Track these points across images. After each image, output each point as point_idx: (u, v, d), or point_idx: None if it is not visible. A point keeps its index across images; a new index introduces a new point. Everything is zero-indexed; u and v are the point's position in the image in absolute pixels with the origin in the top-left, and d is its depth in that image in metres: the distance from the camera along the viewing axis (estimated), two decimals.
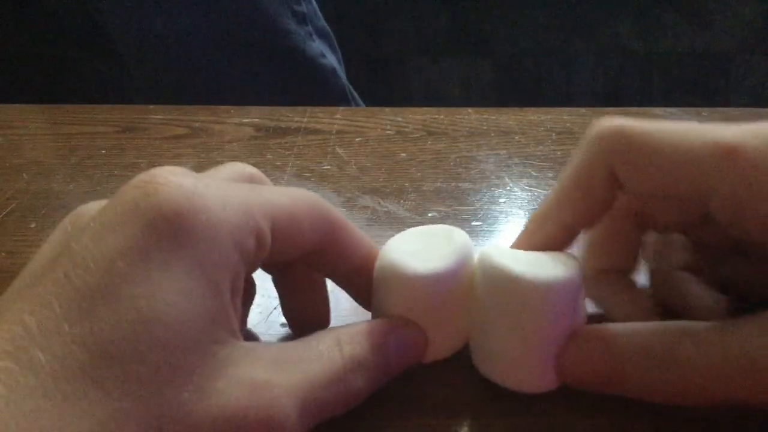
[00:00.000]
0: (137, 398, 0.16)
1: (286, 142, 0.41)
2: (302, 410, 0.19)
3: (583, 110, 0.43)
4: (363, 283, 0.24)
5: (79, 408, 0.16)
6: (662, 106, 0.43)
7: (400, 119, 0.42)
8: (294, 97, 0.70)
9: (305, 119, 0.43)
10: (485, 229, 0.33)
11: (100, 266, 0.17)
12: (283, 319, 0.27)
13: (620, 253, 0.26)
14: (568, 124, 0.41)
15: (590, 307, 0.25)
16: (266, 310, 0.28)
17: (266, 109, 0.44)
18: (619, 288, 0.26)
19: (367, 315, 0.25)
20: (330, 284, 0.26)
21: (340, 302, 0.27)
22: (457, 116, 0.43)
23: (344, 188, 0.36)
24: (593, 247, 0.26)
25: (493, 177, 0.37)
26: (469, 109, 0.43)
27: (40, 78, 1.40)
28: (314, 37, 0.72)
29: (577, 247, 0.25)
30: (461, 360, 0.25)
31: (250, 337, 0.27)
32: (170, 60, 0.68)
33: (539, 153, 0.39)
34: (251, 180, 0.24)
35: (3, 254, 0.32)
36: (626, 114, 0.27)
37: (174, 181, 0.19)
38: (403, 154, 0.39)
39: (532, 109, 0.43)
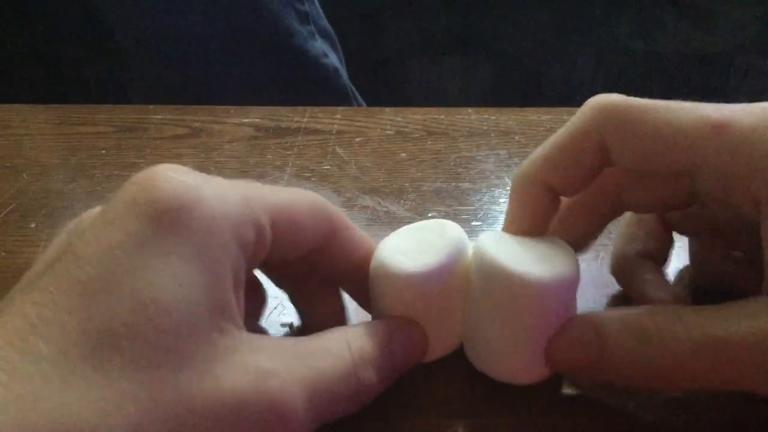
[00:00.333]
0: (136, 381, 0.17)
1: (286, 142, 0.41)
2: (310, 402, 0.19)
3: None
4: (363, 283, 0.24)
5: (78, 392, 0.16)
6: None
7: (400, 119, 0.43)
8: (296, 97, 0.70)
9: (305, 119, 0.43)
10: (485, 229, 0.33)
11: (100, 259, 0.18)
12: (284, 319, 0.27)
13: (583, 230, 0.26)
14: None
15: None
16: (267, 310, 0.28)
17: (266, 109, 0.44)
18: None
19: (368, 316, 0.25)
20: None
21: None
22: (457, 116, 0.43)
23: (344, 188, 0.36)
24: (559, 214, 0.26)
25: (493, 177, 0.37)
26: (469, 109, 0.43)
27: (40, 78, 1.40)
28: (317, 36, 0.72)
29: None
30: (461, 360, 0.25)
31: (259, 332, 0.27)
32: (173, 59, 0.68)
33: None
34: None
35: (3, 254, 0.32)
36: None
37: (172, 176, 0.19)
38: (403, 154, 0.39)
39: (532, 109, 0.43)
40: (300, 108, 0.44)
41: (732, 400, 0.23)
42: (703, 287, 0.28)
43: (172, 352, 0.17)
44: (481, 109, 0.43)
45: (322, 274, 0.25)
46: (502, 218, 0.34)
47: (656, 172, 0.22)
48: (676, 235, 0.28)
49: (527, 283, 0.21)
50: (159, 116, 0.44)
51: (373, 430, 0.23)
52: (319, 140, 0.41)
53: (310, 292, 0.26)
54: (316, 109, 0.44)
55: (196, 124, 0.43)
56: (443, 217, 0.34)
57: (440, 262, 0.23)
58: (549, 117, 0.42)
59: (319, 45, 0.72)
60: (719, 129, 0.20)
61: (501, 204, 0.35)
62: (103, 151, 0.41)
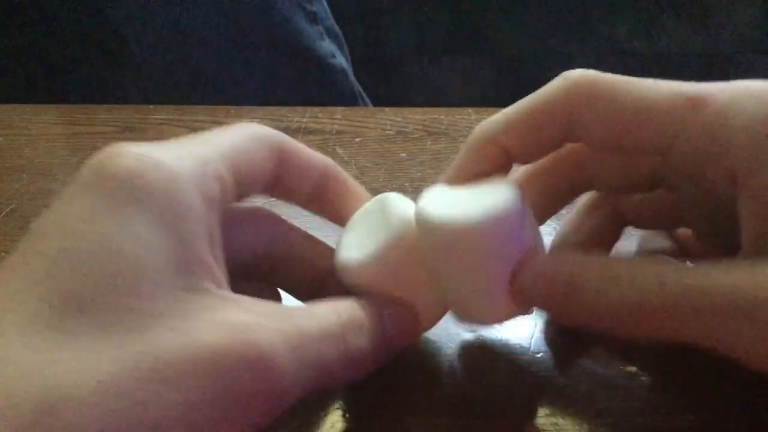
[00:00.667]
0: (105, 341, 0.16)
1: None
2: (296, 359, 0.18)
3: None
4: (330, 199, 0.24)
5: (46, 356, 0.16)
6: None
7: (400, 119, 0.42)
8: (304, 97, 0.70)
9: (305, 119, 0.43)
10: None
11: (60, 232, 0.18)
12: None
13: (542, 202, 0.26)
14: None
15: None
16: None
17: (266, 109, 0.44)
18: None
19: None
20: None
21: None
22: (457, 116, 0.43)
23: None
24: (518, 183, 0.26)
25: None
26: (469, 109, 0.43)
27: (40, 78, 1.40)
28: (325, 36, 0.72)
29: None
30: (461, 360, 0.25)
31: None
32: (181, 58, 0.68)
33: None
34: (277, 149, 0.23)
35: (3, 254, 0.32)
36: None
37: (126, 149, 0.19)
38: (403, 154, 0.39)
39: None
40: (300, 108, 0.44)
41: (733, 402, 0.23)
42: None
43: (142, 313, 0.17)
44: (482, 109, 0.43)
45: (290, 200, 0.25)
46: None
47: (626, 149, 0.22)
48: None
49: (459, 230, 0.21)
50: (159, 116, 0.44)
51: (373, 429, 0.23)
52: (319, 140, 0.41)
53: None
54: (316, 109, 0.44)
55: (196, 124, 0.43)
56: None
57: (387, 242, 0.22)
58: None
59: (327, 45, 0.72)
60: (695, 103, 0.20)
61: None
62: None
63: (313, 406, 0.24)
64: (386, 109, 0.44)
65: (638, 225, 0.27)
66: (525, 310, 0.23)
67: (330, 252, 0.25)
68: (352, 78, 0.76)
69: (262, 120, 0.43)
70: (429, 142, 0.40)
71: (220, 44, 0.67)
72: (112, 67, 1.33)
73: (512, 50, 1.36)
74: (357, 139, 0.41)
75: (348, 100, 0.74)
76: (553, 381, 0.25)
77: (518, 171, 0.26)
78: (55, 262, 0.17)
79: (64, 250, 0.17)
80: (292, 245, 0.25)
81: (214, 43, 0.67)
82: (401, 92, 1.41)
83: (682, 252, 0.27)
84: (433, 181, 0.37)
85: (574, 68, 0.22)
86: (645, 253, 0.27)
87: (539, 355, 0.26)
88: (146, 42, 0.69)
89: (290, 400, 0.19)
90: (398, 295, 0.23)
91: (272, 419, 0.18)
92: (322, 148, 0.40)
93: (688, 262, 0.20)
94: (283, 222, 0.25)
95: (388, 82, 1.41)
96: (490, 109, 0.43)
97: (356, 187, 0.25)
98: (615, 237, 0.27)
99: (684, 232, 0.27)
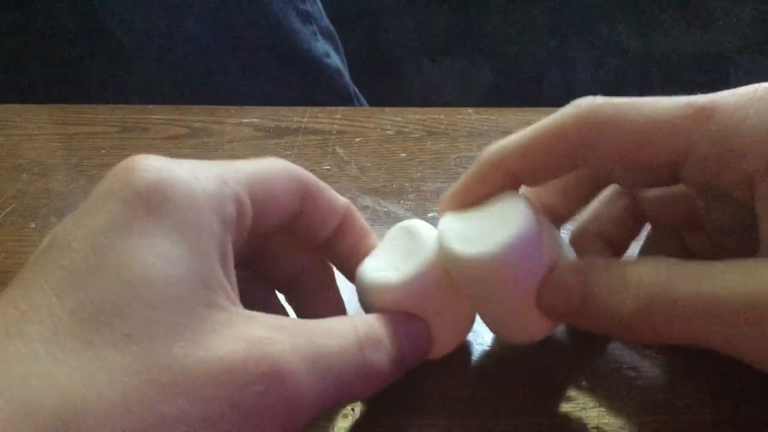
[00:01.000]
0: (128, 353, 0.17)
1: (286, 142, 0.41)
2: (313, 374, 0.19)
3: None
4: (347, 244, 0.25)
5: (70, 367, 0.16)
6: None
7: (400, 119, 0.42)
8: (298, 97, 0.70)
9: (305, 119, 0.43)
10: None
11: (83, 244, 0.18)
12: None
13: (565, 199, 0.26)
14: None
15: None
16: None
17: (266, 109, 0.44)
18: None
19: None
20: None
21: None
22: (457, 116, 0.43)
23: (344, 188, 0.36)
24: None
25: None
26: (469, 109, 0.43)
27: (40, 78, 1.40)
28: (319, 36, 0.72)
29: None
30: (461, 360, 0.25)
31: None
32: (175, 59, 0.68)
33: None
34: (302, 188, 0.23)
35: (3, 254, 0.32)
36: None
37: (146, 162, 0.19)
38: (403, 154, 0.39)
39: (532, 109, 0.43)
40: (300, 108, 0.44)
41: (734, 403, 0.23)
42: None
43: (164, 326, 0.17)
44: (481, 109, 0.43)
45: (303, 240, 0.25)
46: None
47: (641, 168, 0.22)
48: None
49: (482, 263, 0.21)
50: (159, 116, 0.44)
51: (373, 429, 0.23)
52: (319, 140, 0.41)
53: (305, 289, 0.26)
54: (316, 109, 0.44)
55: (196, 124, 0.43)
56: None
57: (420, 266, 0.23)
58: None
59: (322, 45, 0.72)
60: (704, 113, 0.20)
61: None
62: (103, 151, 0.41)
63: None
64: (386, 109, 0.44)
65: (655, 223, 0.27)
66: (555, 324, 0.23)
67: (301, 254, 0.25)
68: (348, 78, 0.76)
69: (262, 120, 0.43)
70: (429, 142, 0.40)
71: (213, 45, 0.67)
72: (110, 67, 1.33)
73: (512, 50, 1.36)
74: (357, 139, 0.41)
75: (343, 100, 0.74)
76: (554, 381, 0.25)
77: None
78: (78, 274, 0.17)
79: (88, 262, 0.17)
80: (270, 241, 0.25)
81: (206, 44, 0.67)
82: (401, 92, 1.41)
83: (689, 255, 0.27)
84: (433, 181, 0.37)
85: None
86: (653, 252, 0.27)
87: (540, 355, 0.26)
88: (142, 44, 0.69)
89: (307, 414, 0.19)
90: (425, 315, 0.23)
91: None
92: (322, 148, 0.40)
93: (694, 263, 0.20)
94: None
95: (388, 82, 1.41)
96: (490, 109, 0.43)
97: (370, 235, 0.26)
98: (634, 232, 0.27)
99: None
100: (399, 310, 0.23)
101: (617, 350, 0.26)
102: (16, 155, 0.41)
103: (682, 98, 0.21)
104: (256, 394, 0.17)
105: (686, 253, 0.27)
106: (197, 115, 0.44)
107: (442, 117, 0.43)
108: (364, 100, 0.79)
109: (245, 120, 0.43)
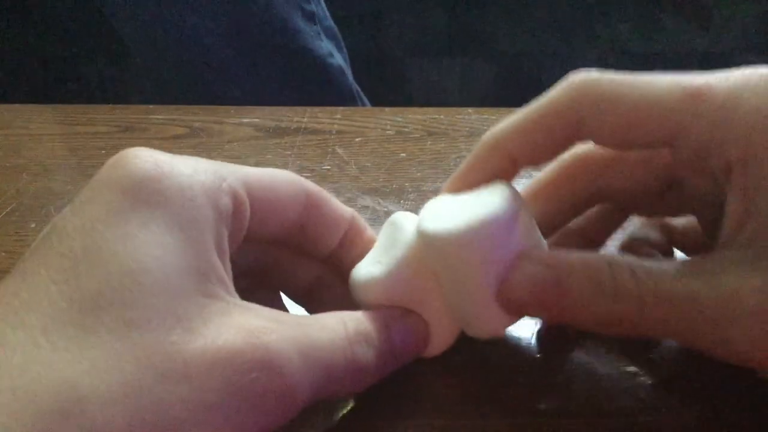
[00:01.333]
0: (127, 340, 0.17)
1: (286, 142, 0.41)
2: (306, 365, 0.19)
3: None
4: (354, 254, 0.25)
5: (70, 354, 0.16)
6: None
7: (400, 119, 0.42)
8: (302, 97, 0.70)
9: (305, 119, 0.43)
10: None
11: (81, 232, 0.18)
12: None
13: (553, 210, 0.26)
14: None
15: None
16: None
17: (266, 109, 0.44)
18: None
19: None
20: None
21: None
22: (457, 116, 0.43)
23: (344, 188, 0.36)
24: (532, 189, 0.26)
25: None
26: (469, 109, 0.43)
27: (40, 78, 1.40)
28: (323, 36, 0.72)
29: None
30: (460, 360, 0.25)
31: None
32: (179, 58, 0.68)
33: None
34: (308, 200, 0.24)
35: (3, 254, 0.33)
36: None
37: (143, 154, 0.20)
38: (403, 154, 0.39)
39: None
40: (300, 108, 0.44)
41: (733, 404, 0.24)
42: None
43: (163, 314, 0.17)
44: (481, 109, 0.43)
45: (310, 252, 0.25)
46: None
47: (633, 144, 0.22)
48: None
49: (446, 238, 0.21)
50: (159, 116, 0.44)
51: (373, 429, 0.23)
52: (319, 140, 0.41)
53: (322, 299, 0.26)
54: (316, 109, 0.44)
55: (196, 124, 0.43)
56: None
57: (399, 256, 0.23)
58: None
59: (325, 45, 0.72)
60: (696, 96, 0.20)
61: None
62: (103, 151, 0.41)
63: (313, 406, 0.24)
64: (386, 109, 0.44)
65: (641, 213, 0.27)
66: (516, 318, 0.23)
67: (313, 263, 0.25)
68: (351, 78, 0.76)
69: (262, 120, 0.43)
70: (429, 142, 0.40)
71: (218, 44, 0.67)
72: (111, 67, 1.33)
73: (512, 50, 1.36)
74: (357, 139, 0.41)
75: (346, 100, 0.74)
76: (553, 381, 0.25)
77: (529, 182, 0.26)
78: (77, 262, 0.17)
79: (86, 250, 0.18)
80: (280, 257, 0.25)
81: (211, 43, 0.67)
82: (401, 92, 1.41)
83: (672, 242, 0.27)
84: (433, 181, 0.37)
85: (574, 68, 0.22)
86: (633, 243, 0.27)
87: (539, 355, 0.26)
88: (145, 42, 0.69)
89: (299, 403, 0.19)
90: (414, 308, 0.23)
91: (283, 421, 0.19)
92: (322, 148, 0.40)
93: (665, 263, 0.21)
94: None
95: (388, 82, 1.41)
96: (490, 109, 0.43)
97: (374, 243, 0.25)
98: (617, 222, 0.27)
99: (676, 221, 0.27)
100: (389, 304, 0.23)
101: (616, 350, 0.26)
102: (16, 155, 0.41)
103: (677, 78, 0.21)
104: (252, 381, 0.18)
105: (672, 243, 0.27)
106: (197, 115, 0.44)
107: (442, 117, 0.43)
108: (366, 100, 0.79)
109: (245, 120, 0.43)
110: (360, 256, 0.25)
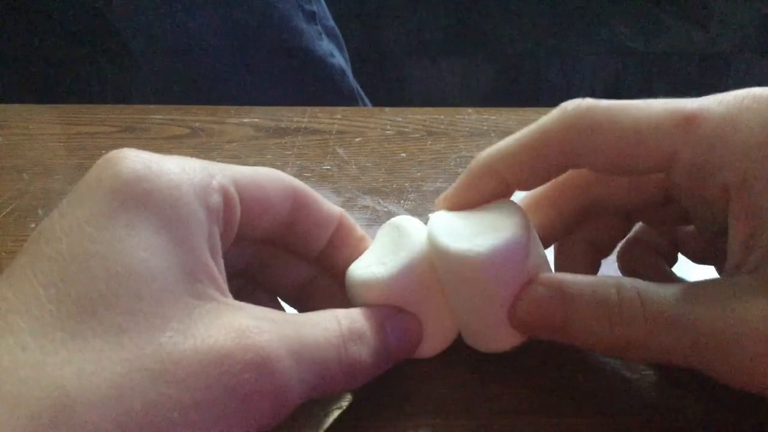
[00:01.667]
0: (115, 343, 0.17)
1: (286, 142, 0.41)
2: (298, 364, 0.19)
3: None
4: (344, 254, 0.25)
5: (59, 358, 0.16)
6: None
7: (400, 119, 0.42)
8: (303, 96, 0.70)
9: (305, 119, 0.43)
10: None
11: (69, 235, 0.18)
12: None
13: (548, 223, 0.26)
14: None
15: None
16: None
17: (266, 109, 0.44)
18: None
19: None
20: None
21: None
22: (457, 116, 0.43)
23: (344, 188, 0.36)
24: (527, 202, 0.26)
25: None
26: (469, 109, 0.43)
27: (40, 78, 1.40)
28: (323, 36, 0.72)
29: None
30: (459, 360, 0.25)
31: None
32: (181, 58, 0.68)
33: None
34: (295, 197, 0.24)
35: (3, 254, 0.33)
36: None
37: (130, 154, 0.20)
38: (403, 154, 0.39)
39: (532, 109, 0.43)
40: (300, 108, 0.44)
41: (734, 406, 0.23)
42: None
43: (151, 316, 0.17)
44: (481, 109, 0.43)
45: (300, 251, 0.25)
46: None
47: (628, 171, 0.22)
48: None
49: (469, 260, 0.21)
50: (159, 116, 0.44)
51: (373, 429, 0.23)
52: (319, 140, 0.41)
53: (314, 299, 0.26)
54: (316, 109, 0.44)
55: (196, 124, 0.43)
56: None
57: (407, 261, 0.23)
58: None
59: (326, 45, 0.72)
60: (690, 121, 0.20)
61: None
62: (103, 151, 0.40)
63: (313, 406, 0.24)
64: (386, 109, 0.44)
65: (647, 222, 0.27)
66: (525, 338, 0.23)
67: (304, 264, 0.25)
68: (351, 78, 0.76)
69: (262, 120, 0.43)
70: (429, 142, 0.40)
71: (219, 44, 0.67)
72: (112, 67, 1.33)
73: (512, 50, 1.36)
74: (357, 139, 0.41)
75: (347, 99, 0.74)
76: (554, 381, 0.25)
77: (525, 195, 0.26)
78: (65, 265, 0.17)
79: (74, 253, 0.18)
80: (273, 256, 0.25)
81: (212, 43, 0.67)
82: (401, 92, 1.41)
83: (677, 249, 0.27)
84: (433, 181, 0.37)
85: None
86: (637, 247, 0.27)
87: (539, 356, 0.26)
88: (145, 42, 0.69)
89: (292, 402, 0.19)
90: (413, 310, 0.23)
91: (276, 421, 0.19)
92: (322, 148, 0.40)
93: (672, 287, 0.21)
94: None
95: (388, 82, 1.41)
96: (490, 109, 0.43)
97: (367, 243, 0.25)
98: (624, 232, 0.27)
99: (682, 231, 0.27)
100: (387, 304, 0.23)
101: None
102: (16, 155, 0.41)
103: (670, 103, 0.21)
104: (244, 381, 0.18)
105: (677, 249, 0.27)
106: (197, 115, 0.44)
107: (442, 117, 0.43)
108: (367, 100, 0.79)
109: (245, 120, 0.43)
110: (351, 256, 0.25)
